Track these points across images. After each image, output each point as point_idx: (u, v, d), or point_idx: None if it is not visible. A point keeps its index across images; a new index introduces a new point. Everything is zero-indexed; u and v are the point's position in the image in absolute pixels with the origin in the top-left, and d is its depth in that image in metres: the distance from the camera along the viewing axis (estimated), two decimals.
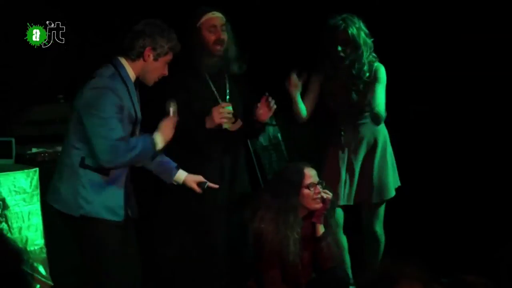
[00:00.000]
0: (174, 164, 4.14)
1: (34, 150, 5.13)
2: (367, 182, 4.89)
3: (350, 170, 4.89)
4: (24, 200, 4.75)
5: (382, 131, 4.90)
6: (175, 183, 4.16)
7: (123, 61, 3.83)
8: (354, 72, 4.72)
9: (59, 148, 5.20)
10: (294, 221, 4.20)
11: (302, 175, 4.25)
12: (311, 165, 4.36)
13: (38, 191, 4.76)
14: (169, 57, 3.86)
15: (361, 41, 4.67)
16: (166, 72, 3.90)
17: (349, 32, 4.64)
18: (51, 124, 5.26)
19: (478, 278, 2.57)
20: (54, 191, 3.86)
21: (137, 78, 3.88)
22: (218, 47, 4.38)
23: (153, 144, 3.80)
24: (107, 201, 3.80)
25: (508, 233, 4.95)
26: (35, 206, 4.77)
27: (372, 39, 4.71)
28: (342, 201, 4.84)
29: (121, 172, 3.85)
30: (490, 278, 2.57)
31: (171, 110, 3.93)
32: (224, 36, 4.38)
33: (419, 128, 5.56)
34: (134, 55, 3.82)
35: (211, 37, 4.37)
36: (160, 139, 3.82)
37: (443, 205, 5.48)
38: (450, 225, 5.41)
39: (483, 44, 5.35)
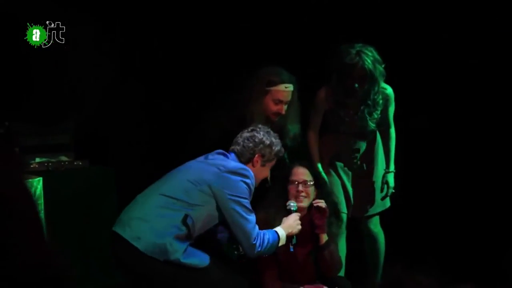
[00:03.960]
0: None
1: (37, 159, 5.15)
2: (369, 195, 4.94)
3: (353, 183, 4.93)
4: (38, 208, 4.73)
5: (377, 140, 4.95)
6: None
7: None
8: (369, 102, 4.74)
9: (63, 158, 5.25)
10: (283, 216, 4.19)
11: (289, 171, 4.28)
12: (306, 166, 4.36)
13: (41, 200, 4.75)
14: (273, 163, 4.07)
15: (377, 74, 4.66)
16: (268, 175, 4.10)
17: (366, 68, 4.61)
18: (54, 134, 5.28)
19: (469, 284, 2.57)
20: (137, 230, 3.85)
21: None
22: (274, 118, 4.42)
23: (278, 238, 3.97)
24: (189, 253, 3.86)
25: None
26: None
27: (384, 65, 4.71)
28: (345, 210, 4.88)
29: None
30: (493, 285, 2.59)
31: (292, 205, 4.13)
32: (284, 110, 4.42)
33: (420, 136, 5.58)
34: (244, 160, 4.01)
35: (273, 108, 4.41)
36: (284, 233, 3.99)
37: (450, 211, 5.49)
38: (457, 232, 5.42)
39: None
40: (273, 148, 4.04)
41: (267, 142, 4.03)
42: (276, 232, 3.98)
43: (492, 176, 5.40)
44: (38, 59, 5.05)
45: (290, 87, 4.43)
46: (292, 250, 4.11)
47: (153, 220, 3.83)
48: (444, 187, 5.53)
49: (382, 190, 4.91)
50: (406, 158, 5.14)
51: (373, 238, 5.04)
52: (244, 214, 3.87)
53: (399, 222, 5.27)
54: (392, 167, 4.93)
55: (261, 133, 4.06)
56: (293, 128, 4.48)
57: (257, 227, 3.91)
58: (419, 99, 5.51)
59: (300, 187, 4.26)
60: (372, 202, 4.96)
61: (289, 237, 4.05)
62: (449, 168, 5.55)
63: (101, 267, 5.09)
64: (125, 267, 3.94)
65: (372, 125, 4.81)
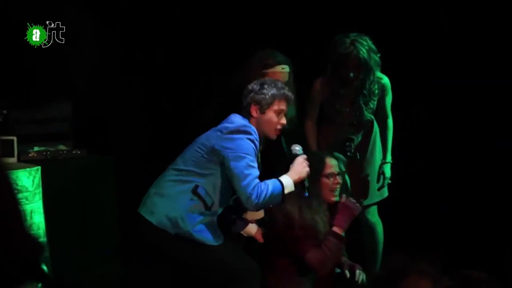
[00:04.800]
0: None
1: (36, 148, 5.14)
2: (366, 183, 4.94)
3: (348, 173, 4.94)
4: (26, 198, 4.74)
5: (375, 131, 4.95)
6: (245, 235, 4.22)
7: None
8: (365, 91, 4.73)
9: (61, 147, 5.24)
10: (317, 205, 4.17)
11: (323, 164, 4.23)
12: (333, 156, 4.34)
13: (40, 189, 4.76)
14: (276, 106, 3.97)
15: (372, 63, 4.66)
16: (283, 121, 4.00)
17: (361, 57, 4.62)
18: (52, 123, 5.27)
19: (482, 273, 2.58)
20: (150, 204, 3.93)
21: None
22: None
23: (282, 185, 3.86)
24: (202, 228, 3.88)
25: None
26: (37, 205, 4.76)
27: (379, 55, 4.70)
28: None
29: (216, 212, 3.95)
30: (493, 274, 2.60)
31: (297, 149, 4.04)
32: None
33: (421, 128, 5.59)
34: (245, 115, 3.98)
35: None
36: (289, 180, 3.88)
37: (450, 201, 5.50)
38: (458, 222, 5.43)
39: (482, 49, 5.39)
40: (266, 91, 3.97)
41: (257, 88, 3.98)
42: (279, 180, 3.89)
43: (491, 165, 5.41)
44: (38, 59, 5.05)
45: (286, 68, 4.43)
46: (306, 195, 4.02)
47: (165, 194, 3.90)
48: (443, 176, 5.54)
49: (378, 181, 4.92)
50: (404, 148, 5.15)
51: (371, 228, 5.04)
52: (244, 170, 3.81)
53: (399, 211, 5.28)
54: (389, 157, 4.93)
55: (252, 83, 4.03)
56: (290, 110, 4.46)
57: (256, 180, 3.82)
58: (416, 89, 5.52)
59: (338, 179, 4.24)
60: (368, 192, 4.97)
61: (300, 183, 3.97)
62: (448, 158, 5.56)
63: (100, 255, 5.09)
64: (143, 245, 4.01)
65: (368, 115, 4.82)
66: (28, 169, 4.77)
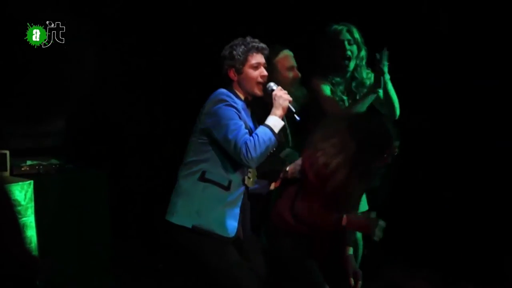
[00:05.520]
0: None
1: (28, 162, 5.14)
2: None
3: None
4: (18, 212, 4.74)
5: None
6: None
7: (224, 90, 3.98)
8: (357, 75, 4.76)
9: (54, 161, 5.25)
10: (364, 185, 4.05)
11: (390, 145, 3.94)
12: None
13: (32, 203, 4.76)
14: (251, 61, 3.99)
15: (362, 43, 4.73)
16: (264, 73, 4.01)
17: (353, 33, 4.71)
18: (46, 137, 5.28)
19: None
20: (171, 206, 3.95)
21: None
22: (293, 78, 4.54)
23: (269, 127, 3.88)
24: (221, 217, 3.88)
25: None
26: (30, 219, 4.77)
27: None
28: None
29: (238, 190, 3.94)
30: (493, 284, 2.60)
31: (272, 85, 4.02)
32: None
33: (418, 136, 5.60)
34: (227, 83, 4.00)
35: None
36: (275, 118, 3.91)
37: (448, 213, 5.51)
38: (456, 233, 5.44)
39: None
40: (235, 52, 3.99)
41: (227, 52, 4.00)
42: (264, 125, 3.90)
43: (491, 176, 5.42)
44: (37, 59, 5.06)
45: (290, 51, 4.57)
46: (299, 118, 3.99)
47: (181, 191, 3.90)
48: (446, 175, 5.55)
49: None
50: (407, 150, 5.13)
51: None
52: (228, 135, 3.82)
53: (397, 225, 5.26)
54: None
55: (224, 48, 4.03)
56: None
57: (242, 139, 3.82)
58: (417, 90, 5.53)
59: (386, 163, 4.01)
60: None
61: (288, 112, 3.97)
62: (447, 169, 5.56)
63: (93, 269, 5.09)
64: (170, 247, 4.00)
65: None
66: (20, 183, 4.77)
